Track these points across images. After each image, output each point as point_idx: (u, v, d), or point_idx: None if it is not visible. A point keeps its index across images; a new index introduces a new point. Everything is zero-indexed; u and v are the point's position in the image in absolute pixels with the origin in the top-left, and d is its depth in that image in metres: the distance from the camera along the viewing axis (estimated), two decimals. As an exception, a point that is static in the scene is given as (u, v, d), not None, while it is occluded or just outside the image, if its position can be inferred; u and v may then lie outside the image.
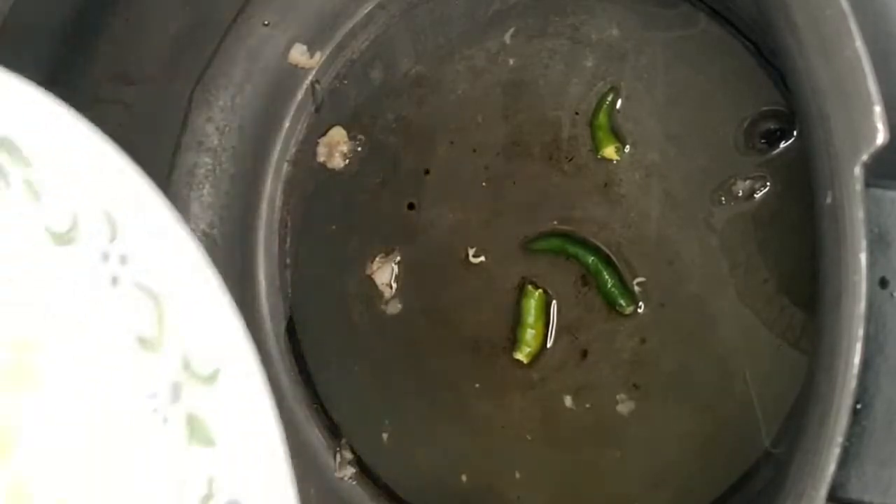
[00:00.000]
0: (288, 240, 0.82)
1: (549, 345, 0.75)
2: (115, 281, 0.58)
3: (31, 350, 0.59)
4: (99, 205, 0.57)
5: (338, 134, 0.81)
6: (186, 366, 0.57)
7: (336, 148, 0.81)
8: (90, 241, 0.57)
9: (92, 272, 0.58)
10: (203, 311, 0.56)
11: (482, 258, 0.76)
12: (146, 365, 0.57)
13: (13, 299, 0.59)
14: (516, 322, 0.75)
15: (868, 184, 0.45)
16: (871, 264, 0.45)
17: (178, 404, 0.57)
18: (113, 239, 0.57)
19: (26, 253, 0.58)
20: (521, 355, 0.75)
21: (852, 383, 0.45)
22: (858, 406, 0.46)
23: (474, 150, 0.78)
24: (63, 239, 0.58)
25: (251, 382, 0.55)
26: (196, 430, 0.57)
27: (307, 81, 0.82)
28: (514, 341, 0.75)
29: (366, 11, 0.81)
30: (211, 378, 0.56)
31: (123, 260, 0.57)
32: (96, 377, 0.58)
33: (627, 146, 0.74)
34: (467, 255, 0.77)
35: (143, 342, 0.58)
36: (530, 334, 0.75)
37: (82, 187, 0.57)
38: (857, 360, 0.45)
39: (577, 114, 0.75)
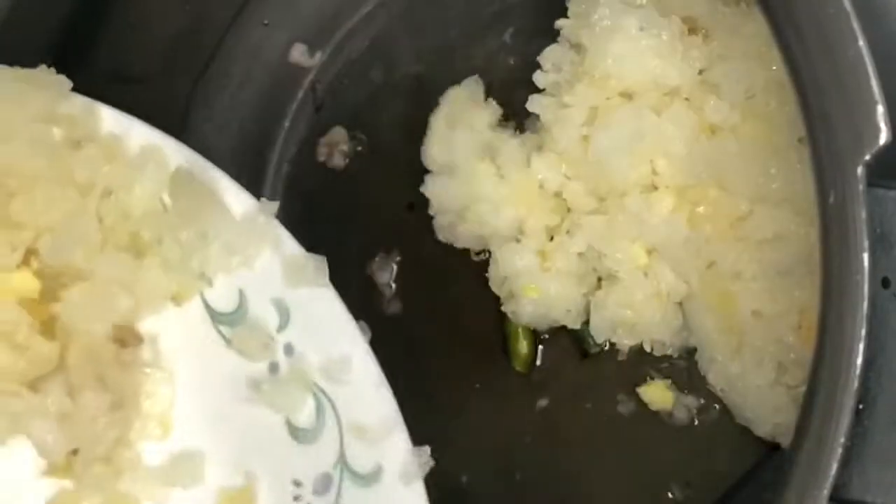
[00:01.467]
0: (288, 240, 0.82)
1: (548, 346, 0.75)
2: (274, 368, 0.57)
3: None
4: (272, 290, 0.56)
5: (338, 134, 0.81)
6: (342, 460, 0.56)
7: (336, 148, 0.81)
8: (257, 324, 0.57)
9: (253, 355, 0.57)
10: (366, 407, 0.55)
11: (482, 257, 0.76)
12: (295, 453, 0.57)
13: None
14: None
15: (870, 183, 0.45)
16: (874, 264, 0.45)
17: (327, 496, 0.56)
18: (282, 328, 0.57)
19: (191, 326, 0.58)
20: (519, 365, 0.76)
21: (854, 383, 0.45)
22: (860, 406, 0.46)
23: (474, 150, 0.78)
24: (227, 320, 0.58)
25: (413, 488, 0.54)
26: None
27: (307, 81, 0.82)
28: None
29: (366, 11, 0.81)
30: (370, 477, 0.56)
31: (289, 350, 0.57)
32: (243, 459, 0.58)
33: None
34: (468, 255, 0.77)
35: (294, 432, 0.57)
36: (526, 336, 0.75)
37: (257, 269, 0.56)
38: (859, 360, 0.45)
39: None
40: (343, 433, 0.57)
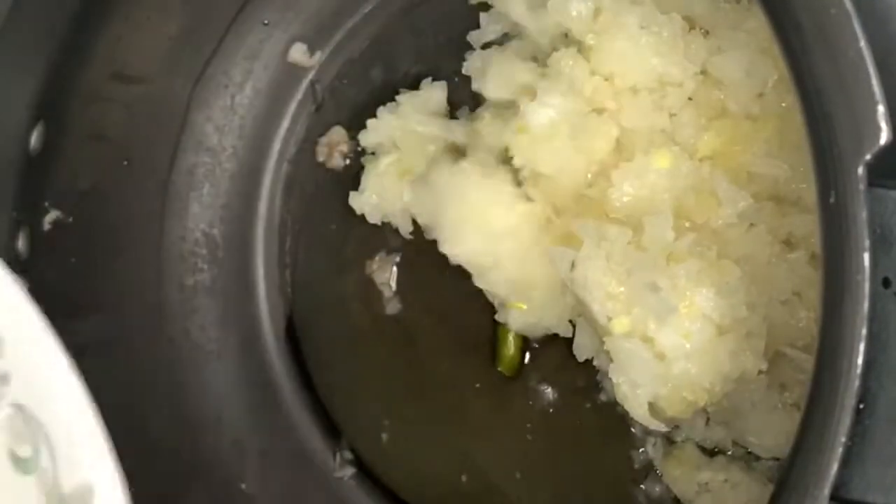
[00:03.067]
0: (288, 240, 0.82)
1: (546, 346, 0.75)
2: None
3: None
4: None
5: (338, 134, 0.81)
6: (57, 489, 0.56)
7: (336, 148, 0.81)
8: None
9: None
10: (78, 440, 0.55)
11: (482, 257, 0.76)
12: (17, 485, 0.56)
13: None
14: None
15: (871, 183, 0.45)
16: (874, 264, 0.45)
17: None
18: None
19: None
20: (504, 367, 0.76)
21: (855, 383, 0.45)
22: (861, 406, 0.46)
23: (474, 150, 0.78)
24: None
25: None
26: None
27: (307, 81, 0.82)
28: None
29: (366, 11, 0.81)
30: None
31: (5, 379, 0.56)
32: None
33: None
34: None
35: (16, 462, 0.56)
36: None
37: None
38: (859, 359, 0.45)
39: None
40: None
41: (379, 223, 0.78)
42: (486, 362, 0.77)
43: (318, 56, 0.81)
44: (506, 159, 0.70)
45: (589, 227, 0.64)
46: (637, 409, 0.64)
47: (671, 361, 0.61)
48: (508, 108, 0.73)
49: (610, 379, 0.66)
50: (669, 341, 0.61)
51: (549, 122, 0.66)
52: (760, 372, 0.63)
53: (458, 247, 0.71)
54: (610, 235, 0.63)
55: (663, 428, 0.66)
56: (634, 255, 0.62)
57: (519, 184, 0.70)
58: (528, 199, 0.69)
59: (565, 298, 0.70)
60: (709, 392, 0.62)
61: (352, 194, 0.78)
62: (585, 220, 0.65)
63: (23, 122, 0.67)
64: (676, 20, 0.65)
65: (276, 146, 0.82)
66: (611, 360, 0.64)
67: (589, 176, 0.66)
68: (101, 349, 0.74)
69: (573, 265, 0.64)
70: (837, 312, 0.46)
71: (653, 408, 0.64)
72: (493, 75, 0.73)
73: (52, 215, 0.71)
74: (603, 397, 0.73)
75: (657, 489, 0.71)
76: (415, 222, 0.78)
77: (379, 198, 0.77)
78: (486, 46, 0.76)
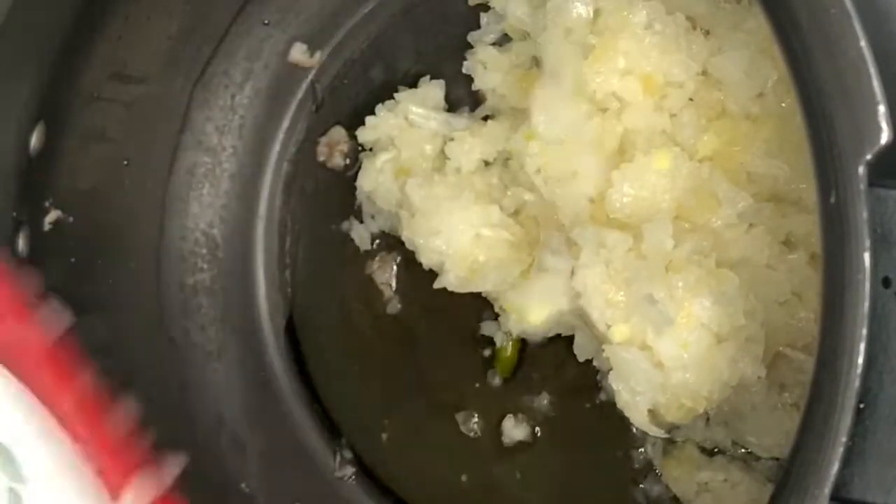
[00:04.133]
0: (288, 240, 0.82)
1: (548, 345, 0.75)
2: None
3: None
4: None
5: (338, 133, 0.81)
6: None
7: (336, 147, 0.81)
8: None
9: None
10: None
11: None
12: None
13: None
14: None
15: (872, 183, 0.45)
16: (875, 264, 0.45)
17: None
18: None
19: None
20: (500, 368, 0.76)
21: (856, 383, 0.45)
22: (861, 405, 0.46)
23: (474, 149, 0.78)
24: None
25: None
26: None
27: (307, 81, 0.82)
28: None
29: (366, 11, 0.81)
30: None
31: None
32: None
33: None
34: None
35: None
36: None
37: None
38: (860, 359, 0.45)
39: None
40: None
41: (373, 219, 0.78)
42: (486, 362, 0.77)
43: (318, 56, 0.81)
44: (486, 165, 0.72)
45: (588, 234, 0.64)
46: (637, 415, 0.64)
47: (670, 371, 0.61)
48: (511, 111, 0.73)
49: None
50: (667, 351, 0.61)
51: (558, 126, 0.66)
52: (759, 378, 0.63)
53: (442, 283, 0.73)
54: (609, 243, 0.63)
55: (663, 434, 0.66)
56: (634, 264, 0.62)
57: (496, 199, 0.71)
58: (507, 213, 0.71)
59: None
60: (707, 399, 0.62)
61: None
62: (584, 226, 0.65)
63: (23, 122, 0.67)
64: (680, 20, 0.65)
65: (276, 146, 0.82)
66: (611, 367, 0.64)
67: (595, 176, 0.66)
68: (101, 349, 0.74)
69: (573, 273, 0.64)
70: (837, 312, 0.46)
71: (652, 414, 0.64)
72: (494, 77, 0.73)
73: (52, 215, 0.71)
74: (603, 397, 0.73)
75: (657, 489, 0.71)
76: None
77: (374, 195, 0.77)
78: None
